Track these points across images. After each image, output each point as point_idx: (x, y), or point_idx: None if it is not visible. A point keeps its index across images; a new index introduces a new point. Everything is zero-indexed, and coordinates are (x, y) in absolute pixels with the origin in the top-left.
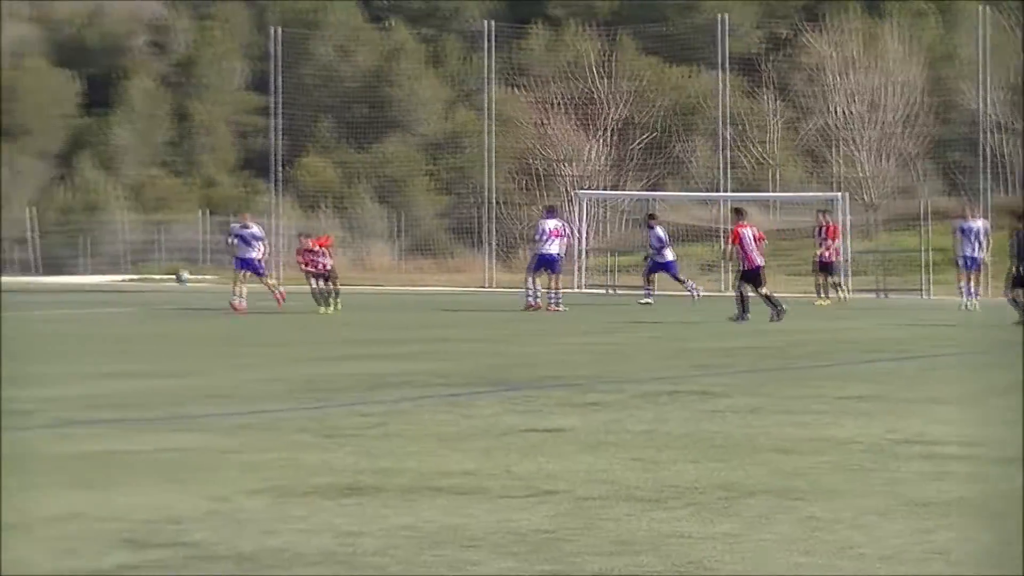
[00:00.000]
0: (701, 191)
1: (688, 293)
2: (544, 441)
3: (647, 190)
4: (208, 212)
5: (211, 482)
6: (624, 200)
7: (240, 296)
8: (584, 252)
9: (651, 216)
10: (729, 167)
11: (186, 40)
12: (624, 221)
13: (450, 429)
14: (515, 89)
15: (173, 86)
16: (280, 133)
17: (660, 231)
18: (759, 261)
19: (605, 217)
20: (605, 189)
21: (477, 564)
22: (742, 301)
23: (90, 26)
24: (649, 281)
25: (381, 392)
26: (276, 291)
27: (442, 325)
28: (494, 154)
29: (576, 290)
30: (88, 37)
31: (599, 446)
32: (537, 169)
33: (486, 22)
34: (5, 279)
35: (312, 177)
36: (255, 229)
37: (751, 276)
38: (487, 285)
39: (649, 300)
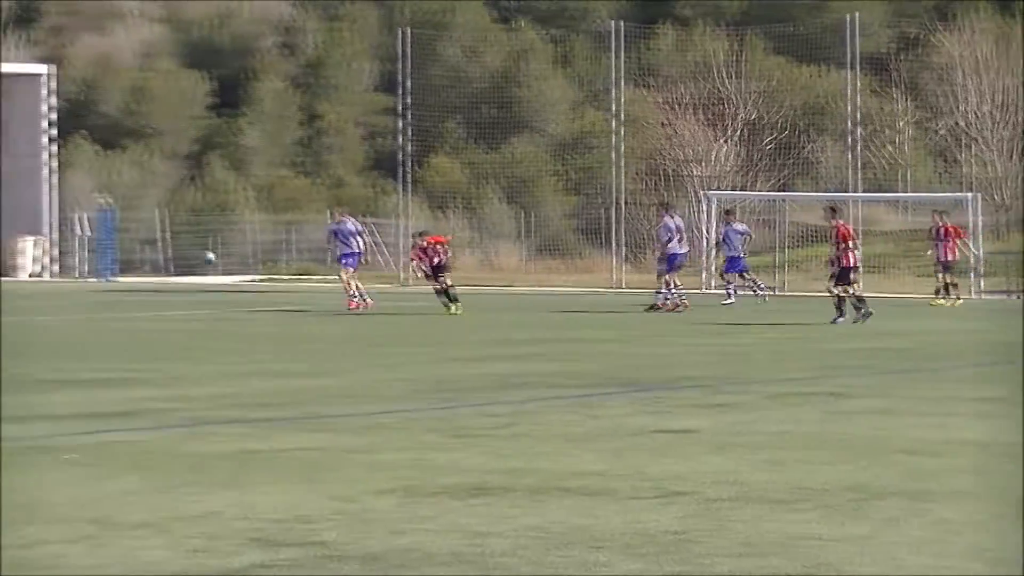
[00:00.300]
0: (831, 191)
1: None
2: (673, 442)
3: (776, 190)
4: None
5: (341, 482)
6: (753, 200)
7: (355, 294)
8: (713, 253)
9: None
10: (859, 167)
11: (315, 41)
12: (752, 222)
13: (579, 429)
14: (643, 89)
15: (302, 87)
16: (409, 134)
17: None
18: (855, 260)
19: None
20: (733, 190)
21: (605, 565)
22: (839, 302)
23: (220, 27)
24: (728, 280)
25: (510, 392)
26: (357, 295)
27: (570, 326)
28: (622, 154)
29: (704, 290)
30: (218, 38)
31: (728, 447)
32: (665, 170)
33: (614, 22)
34: (136, 279)
35: (440, 178)
36: (351, 225)
37: (844, 275)
38: (615, 286)
39: (732, 300)
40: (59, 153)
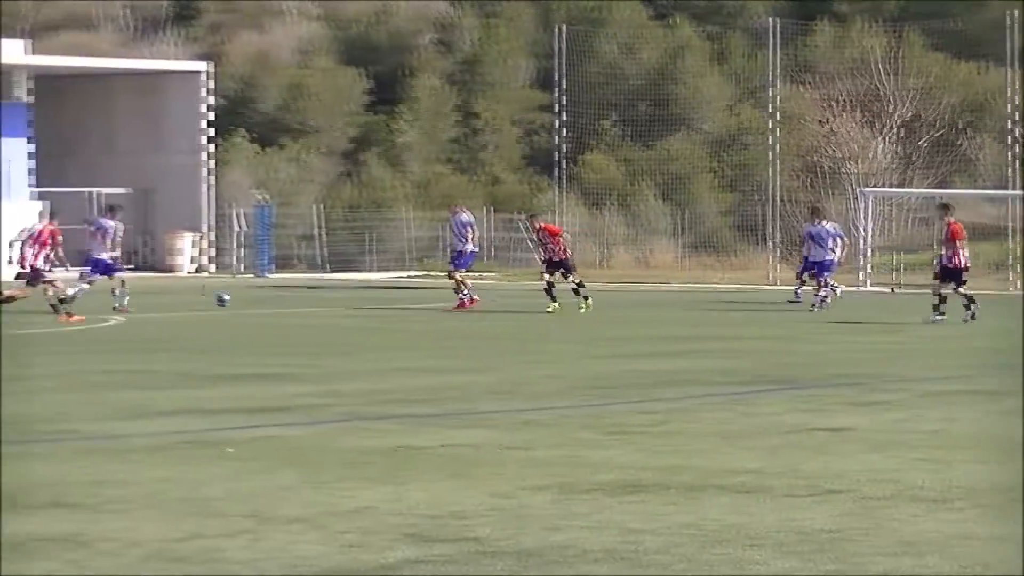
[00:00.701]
0: (989, 188)
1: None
2: (829, 440)
3: (934, 188)
4: (492, 209)
5: (495, 478)
6: (910, 198)
7: (466, 292)
8: (869, 251)
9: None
10: (1018, 164)
11: (472, 38)
12: (910, 219)
13: (733, 427)
14: (800, 86)
15: (459, 84)
16: (564, 130)
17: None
18: (965, 260)
19: (891, 215)
20: (891, 187)
21: (759, 563)
22: (939, 300)
23: (377, 24)
24: (802, 281)
25: (664, 390)
26: (466, 294)
27: (724, 323)
28: (778, 151)
29: (861, 288)
30: (375, 35)
31: (885, 445)
32: (822, 167)
33: (771, 19)
34: (292, 275)
35: (596, 174)
36: (465, 216)
37: (955, 274)
38: (770, 283)
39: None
40: (216, 150)
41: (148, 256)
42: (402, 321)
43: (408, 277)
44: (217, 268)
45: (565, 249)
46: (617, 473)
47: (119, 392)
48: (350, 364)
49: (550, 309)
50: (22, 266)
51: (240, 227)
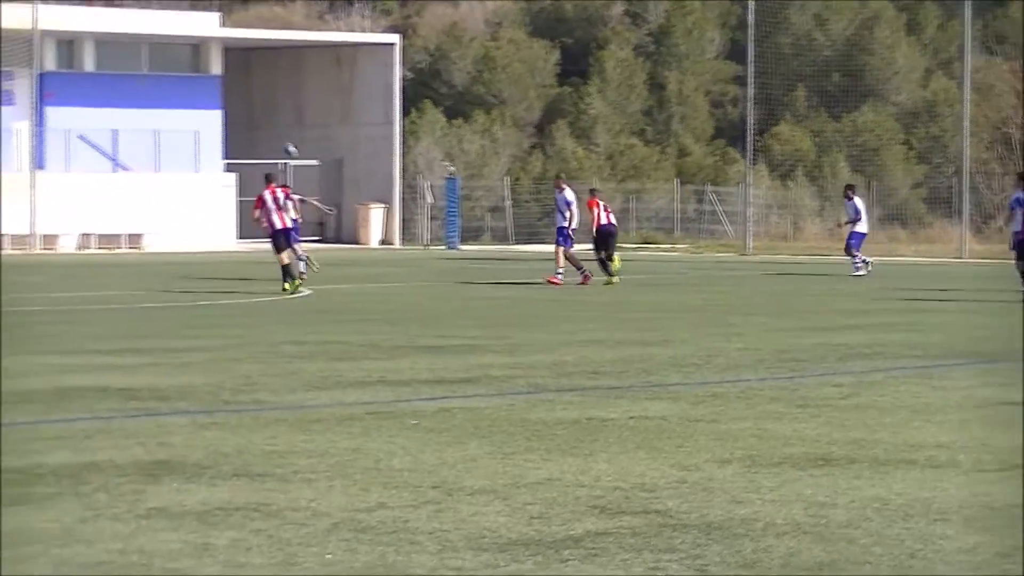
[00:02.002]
0: None
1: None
2: (1019, 415)
3: None
4: (680, 182)
5: (682, 450)
6: None
7: (560, 271)
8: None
9: (849, 187)
10: None
11: (662, 10)
12: None
13: (923, 400)
14: (994, 57)
15: (648, 56)
16: (753, 102)
17: (858, 203)
18: None
19: None
20: None
21: (947, 538)
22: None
23: None
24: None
25: (852, 363)
26: (557, 274)
27: (914, 296)
28: (970, 123)
29: None
30: (566, 8)
31: None
32: (1015, 138)
33: None
34: (479, 247)
35: (785, 146)
36: (568, 194)
37: None
38: (961, 256)
39: (862, 272)
40: (404, 122)
41: (337, 228)
42: (588, 293)
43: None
44: (405, 240)
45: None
46: (805, 446)
47: (307, 363)
48: (537, 336)
49: (614, 280)
50: (273, 231)
51: (429, 199)
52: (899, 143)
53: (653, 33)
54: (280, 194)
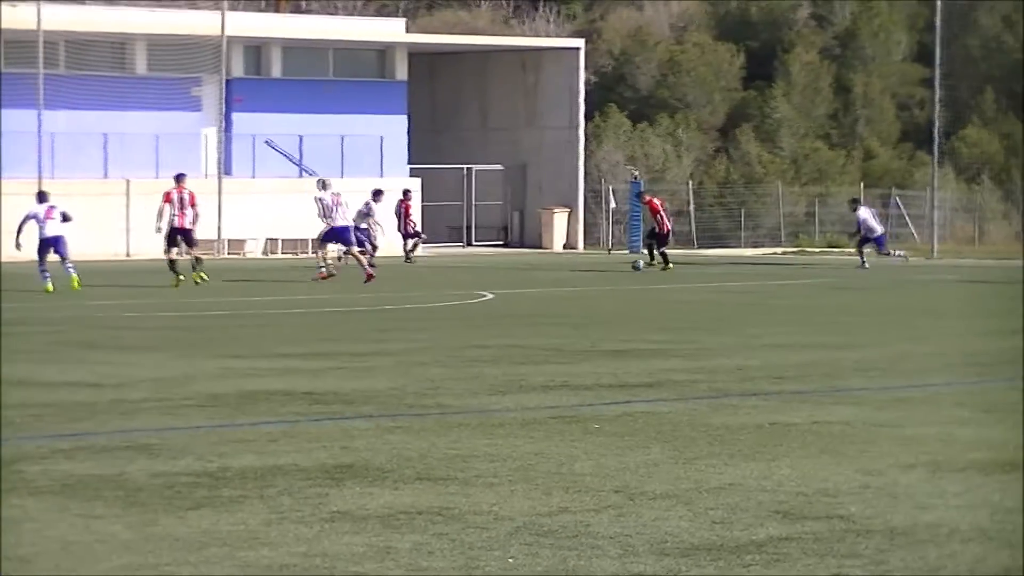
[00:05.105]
0: None
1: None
2: None
3: None
4: (864, 185)
5: (866, 455)
6: None
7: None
8: None
9: (854, 201)
10: None
11: (848, 12)
12: None
13: None
14: None
15: (834, 58)
16: (940, 105)
17: (863, 214)
18: None
19: None
20: None
21: None
22: None
23: (754, 0)
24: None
25: None
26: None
27: None
28: None
29: None
30: (751, 11)
31: None
32: None
33: None
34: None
35: (972, 149)
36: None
37: None
38: None
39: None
40: (588, 126)
41: (520, 232)
42: (772, 297)
43: (779, 253)
44: (587, 244)
45: (665, 223)
46: (992, 452)
47: (490, 367)
48: (720, 340)
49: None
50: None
51: (612, 203)
52: None
53: (839, 36)
54: (186, 195)
